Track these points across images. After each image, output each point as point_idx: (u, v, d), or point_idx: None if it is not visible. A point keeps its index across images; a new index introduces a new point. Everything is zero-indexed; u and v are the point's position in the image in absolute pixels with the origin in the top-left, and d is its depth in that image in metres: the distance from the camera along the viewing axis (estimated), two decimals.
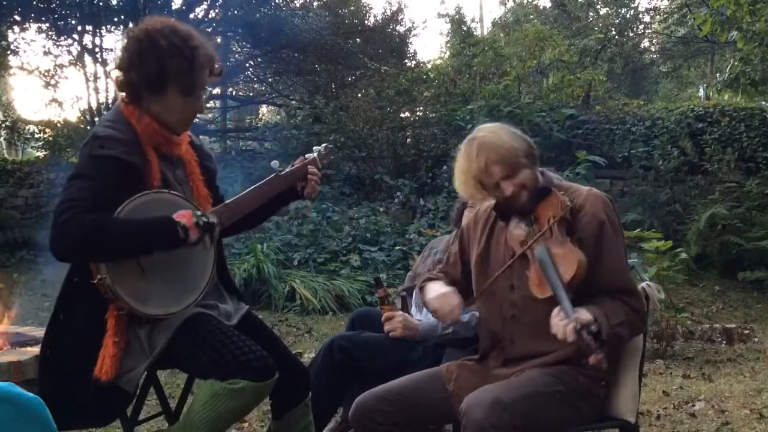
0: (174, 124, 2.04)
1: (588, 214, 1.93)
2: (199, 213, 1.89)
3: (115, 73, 2.02)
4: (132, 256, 1.86)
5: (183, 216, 1.86)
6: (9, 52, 10.77)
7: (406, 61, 13.91)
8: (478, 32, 19.59)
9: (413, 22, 17.29)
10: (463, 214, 2.99)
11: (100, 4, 10.48)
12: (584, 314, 1.73)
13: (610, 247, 1.94)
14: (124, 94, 2.01)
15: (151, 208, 1.88)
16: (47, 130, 10.40)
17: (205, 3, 12.25)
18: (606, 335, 1.73)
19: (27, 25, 10.62)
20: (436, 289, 2.07)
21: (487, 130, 2.01)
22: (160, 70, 1.95)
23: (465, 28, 19.14)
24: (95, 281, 1.83)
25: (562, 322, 1.72)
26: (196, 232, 1.86)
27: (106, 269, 1.82)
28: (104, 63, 10.92)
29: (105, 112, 10.83)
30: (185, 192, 2.04)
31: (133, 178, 1.90)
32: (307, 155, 2.35)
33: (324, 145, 2.46)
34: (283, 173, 2.20)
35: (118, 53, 2.04)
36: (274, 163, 2.23)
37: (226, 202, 2.07)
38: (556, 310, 1.76)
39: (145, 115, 1.98)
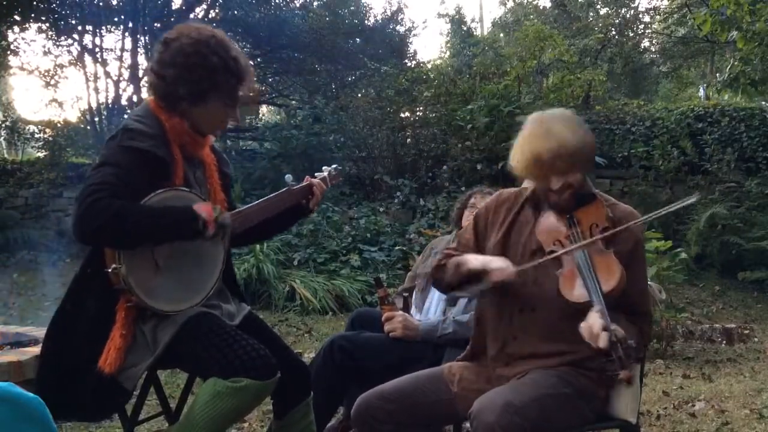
0: (206, 129, 2.08)
1: (627, 230, 1.91)
2: (218, 209, 1.91)
3: (155, 81, 2.00)
4: (151, 243, 1.87)
5: (204, 209, 1.88)
6: (9, 52, 10.79)
7: (406, 61, 13.93)
8: (478, 32, 19.63)
9: (413, 22, 17.36)
10: (464, 214, 2.99)
11: (100, 4, 10.49)
12: (620, 329, 1.70)
13: (639, 266, 1.95)
14: (159, 98, 2.01)
15: (172, 204, 1.90)
16: (47, 130, 10.42)
17: (205, 3, 12.27)
18: (637, 356, 1.73)
19: (27, 25, 10.64)
20: (479, 256, 1.99)
21: (562, 120, 1.94)
22: (210, 86, 1.97)
23: (465, 28, 19.18)
24: (110, 270, 1.84)
25: (599, 323, 1.69)
26: (213, 226, 1.88)
27: (123, 259, 1.83)
28: (104, 63, 10.94)
29: (105, 112, 10.87)
30: (203, 194, 2.07)
31: (159, 173, 1.92)
32: (317, 174, 2.40)
33: (334, 166, 2.51)
34: (295, 188, 2.25)
35: (160, 60, 1.97)
36: (288, 177, 2.28)
37: (240, 209, 2.09)
38: (596, 314, 1.72)
39: (175, 115, 1.99)
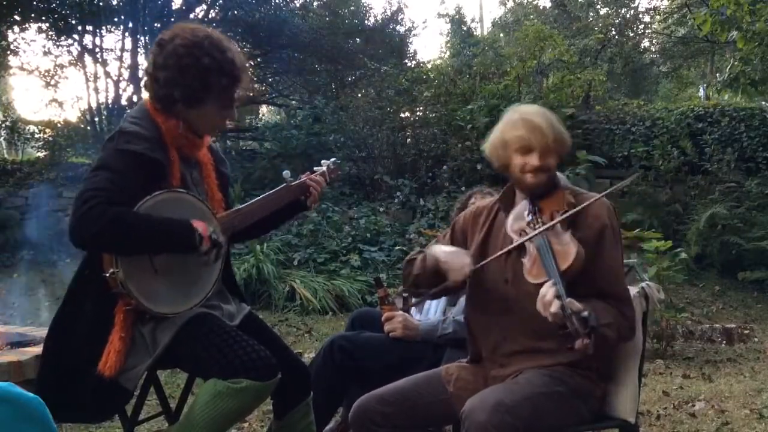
0: (203, 130, 2.08)
1: (591, 215, 1.94)
2: (212, 229, 1.93)
3: (151, 84, 2.00)
4: (146, 252, 1.88)
5: (199, 225, 1.90)
6: (9, 52, 10.78)
7: (406, 61, 13.93)
8: (478, 32, 19.62)
9: (413, 22, 17.34)
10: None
11: (100, 4, 10.48)
12: (576, 303, 1.72)
13: (608, 251, 1.95)
14: (155, 100, 2.01)
15: (169, 207, 1.90)
16: (47, 130, 10.42)
17: (205, 3, 12.27)
18: (592, 326, 1.72)
19: (27, 25, 10.63)
20: (445, 247, 2.06)
21: (533, 107, 2.06)
22: (203, 88, 1.97)
23: (465, 28, 19.16)
24: (107, 274, 1.84)
25: (551, 292, 1.72)
26: (208, 242, 1.90)
27: (120, 263, 1.83)
28: (104, 63, 10.94)
29: (105, 112, 10.87)
30: (200, 194, 2.06)
31: (155, 175, 1.92)
32: (315, 168, 2.41)
33: (332, 160, 2.52)
34: (293, 184, 2.26)
35: (155, 63, 1.98)
36: (286, 173, 2.29)
37: (238, 207, 2.11)
38: (548, 285, 1.75)
39: (171, 117, 1.99)
